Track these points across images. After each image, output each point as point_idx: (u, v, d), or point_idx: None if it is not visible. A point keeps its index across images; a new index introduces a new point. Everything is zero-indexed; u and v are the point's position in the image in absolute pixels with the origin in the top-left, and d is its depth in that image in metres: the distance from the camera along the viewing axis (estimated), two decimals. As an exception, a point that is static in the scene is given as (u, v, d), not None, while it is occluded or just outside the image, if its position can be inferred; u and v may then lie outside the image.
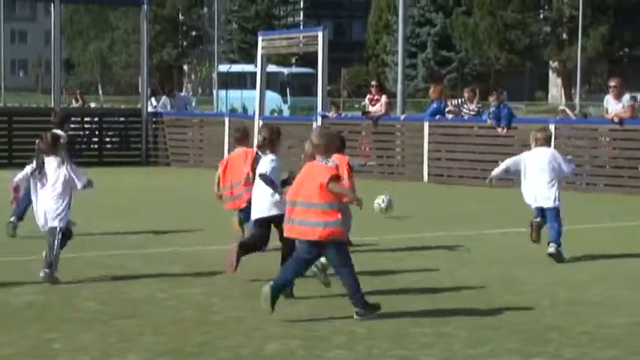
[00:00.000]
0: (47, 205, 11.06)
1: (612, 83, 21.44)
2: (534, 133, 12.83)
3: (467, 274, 11.42)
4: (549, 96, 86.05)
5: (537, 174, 12.46)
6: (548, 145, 12.75)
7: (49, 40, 33.52)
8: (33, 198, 11.24)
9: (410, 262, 12.18)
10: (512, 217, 16.45)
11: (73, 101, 31.08)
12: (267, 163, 10.76)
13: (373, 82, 25.76)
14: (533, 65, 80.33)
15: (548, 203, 12.44)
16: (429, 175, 23.28)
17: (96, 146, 28.36)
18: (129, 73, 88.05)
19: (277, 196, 10.42)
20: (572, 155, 21.46)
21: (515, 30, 74.19)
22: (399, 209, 18.04)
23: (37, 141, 11.42)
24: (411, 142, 24.01)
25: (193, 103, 33.93)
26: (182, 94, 33.24)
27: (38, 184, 11.17)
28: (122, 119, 29.33)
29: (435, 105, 23.99)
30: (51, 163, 11.11)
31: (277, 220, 10.12)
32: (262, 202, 10.53)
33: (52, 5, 28.33)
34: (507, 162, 12.85)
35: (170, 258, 12.45)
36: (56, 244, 10.82)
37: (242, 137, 13.09)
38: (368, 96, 25.15)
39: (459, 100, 24.49)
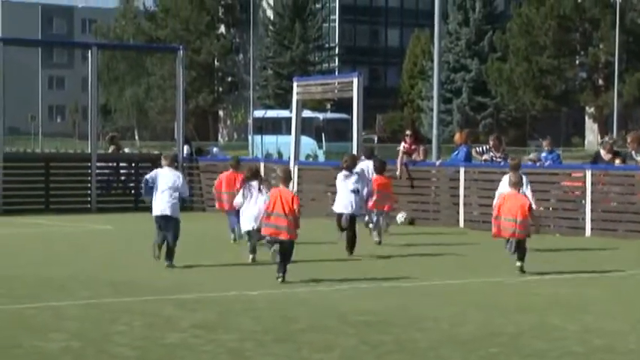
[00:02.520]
0: (255, 212, 16.21)
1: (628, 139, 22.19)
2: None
3: (500, 322, 11.39)
4: (586, 142, 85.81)
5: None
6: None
7: (85, 86, 33.86)
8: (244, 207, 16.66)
9: (442, 310, 12.16)
10: (545, 263, 16.39)
11: (111, 147, 31.31)
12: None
13: (408, 132, 25.87)
14: (570, 111, 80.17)
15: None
16: (464, 220, 23.23)
17: (132, 192, 28.56)
18: (165, 119, 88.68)
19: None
20: (613, 202, 21.47)
21: (551, 75, 74.17)
22: (434, 255, 18.04)
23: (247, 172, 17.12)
24: (447, 188, 24.00)
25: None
26: (215, 149, 33.42)
27: (248, 198, 16.61)
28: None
29: (465, 149, 24.00)
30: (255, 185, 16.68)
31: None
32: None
33: (89, 52, 28.68)
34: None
35: (203, 303, 12.51)
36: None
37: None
38: (403, 144, 25.14)
39: (485, 147, 24.50)
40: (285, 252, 14.32)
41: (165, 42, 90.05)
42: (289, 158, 27.56)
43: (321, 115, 67.19)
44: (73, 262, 16.48)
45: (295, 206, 14.29)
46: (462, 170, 23.49)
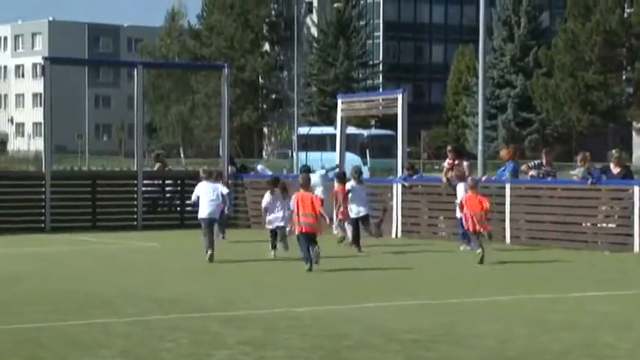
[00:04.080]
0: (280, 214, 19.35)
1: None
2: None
3: (546, 339, 11.30)
4: (633, 157, 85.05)
5: None
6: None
7: (131, 105, 34.11)
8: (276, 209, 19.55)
9: (488, 327, 12.09)
10: (594, 280, 16.26)
11: (157, 164, 31.45)
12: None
13: (449, 147, 25.90)
14: (616, 126, 79.57)
15: None
16: (511, 237, 23.09)
17: (178, 209, 28.70)
18: (209, 136, 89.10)
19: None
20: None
21: (597, 91, 73.71)
22: (479, 271, 17.94)
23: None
24: (493, 204, 23.84)
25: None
26: (260, 166, 33.43)
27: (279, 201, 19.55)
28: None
29: (512, 165, 23.88)
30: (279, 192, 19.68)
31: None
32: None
33: (135, 70, 28.89)
34: None
35: (249, 320, 12.52)
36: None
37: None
38: (447, 160, 25.11)
39: (536, 162, 24.37)
40: (312, 244, 17.11)
41: (209, 60, 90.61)
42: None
43: (365, 132, 67.18)
44: (120, 279, 16.58)
45: (317, 205, 17.26)
46: (507, 186, 23.36)
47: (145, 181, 28.07)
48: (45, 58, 28.08)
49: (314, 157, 63.07)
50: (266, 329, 11.84)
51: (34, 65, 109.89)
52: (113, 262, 19.54)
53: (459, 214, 20.35)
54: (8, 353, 10.50)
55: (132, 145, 33.03)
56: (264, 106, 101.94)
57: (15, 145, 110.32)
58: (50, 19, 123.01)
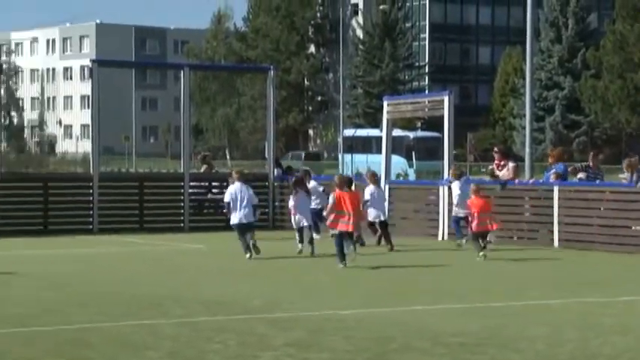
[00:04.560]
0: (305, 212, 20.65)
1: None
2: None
3: (597, 343, 11.20)
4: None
5: None
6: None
7: (178, 107, 34.31)
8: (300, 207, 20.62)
9: (537, 330, 12.00)
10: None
11: (203, 166, 31.57)
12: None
13: (495, 149, 25.81)
14: (666, 128, 78.71)
15: None
16: (559, 240, 22.91)
17: (224, 210, 28.73)
18: (255, 138, 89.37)
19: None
20: None
21: (646, 93, 73.03)
22: (527, 274, 17.83)
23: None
24: (541, 207, 23.70)
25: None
26: (304, 168, 33.29)
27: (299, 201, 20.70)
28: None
29: (561, 167, 23.72)
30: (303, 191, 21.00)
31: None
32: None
33: (182, 72, 29.04)
34: None
35: (295, 322, 12.53)
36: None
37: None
38: (495, 161, 25.06)
39: (582, 165, 24.19)
40: (349, 242, 18.07)
41: (255, 62, 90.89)
42: (380, 177, 27.51)
43: (411, 134, 67.04)
44: (167, 281, 16.66)
45: (355, 204, 18.19)
46: (556, 189, 23.19)
47: (191, 183, 28.18)
48: (93, 61, 28.31)
49: (359, 160, 63.04)
50: (311, 331, 11.84)
51: (82, 68, 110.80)
52: (160, 264, 19.65)
53: (454, 213, 22.18)
54: (54, 353, 10.59)
55: (178, 146, 33.22)
56: (310, 108, 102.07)
57: (63, 146, 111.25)
58: (98, 22, 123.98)
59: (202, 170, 31.56)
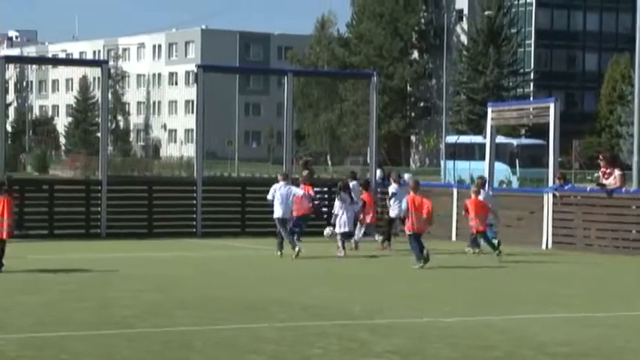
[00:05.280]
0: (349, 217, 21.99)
1: None
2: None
3: None
4: None
5: None
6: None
7: (281, 112, 34.53)
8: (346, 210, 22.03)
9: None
10: None
11: (304, 172, 31.66)
12: None
13: (601, 156, 25.40)
14: None
15: None
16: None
17: (325, 216, 28.81)
18: (357, 144, 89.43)
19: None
20: None
21: None
22: (634, 286, 17.51)
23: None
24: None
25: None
26: (407, 175, 33.08)
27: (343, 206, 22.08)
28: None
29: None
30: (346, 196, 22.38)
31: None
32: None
33: (285, 78, 29.21)
34: None
35: (397, 329, 12.50)
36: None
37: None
38: (601, 169, 24.69)
39: None
40: (420, 242, 19.36)
41: (358, 68, 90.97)
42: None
43: (515, 141, 66.34)
44: (269, 285, 16.77)
45: (428, 208, 19.52)
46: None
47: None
48: (198, 66, 28.63)
49: (462, 166, 62.66)
50: (414, 338, 11.79)
51: (187, 73, 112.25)
52: (262, 268, 19.78)
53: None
54: (158, 355, 10.73)
55: (280, 151, 33.38)
56: (412, 114, 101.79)
57: (167, 151, 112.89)
58: (203, 27, 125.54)
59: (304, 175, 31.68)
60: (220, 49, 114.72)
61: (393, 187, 23.98)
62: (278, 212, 21.74)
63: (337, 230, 22.04)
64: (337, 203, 22.35)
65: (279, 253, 21.35)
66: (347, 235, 22.06)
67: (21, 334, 11.72)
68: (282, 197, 21.74)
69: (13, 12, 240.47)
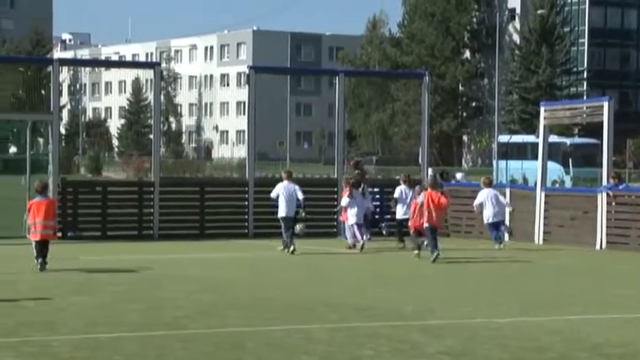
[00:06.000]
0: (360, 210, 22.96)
1: None
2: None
3: None
4: None
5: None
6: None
7: (332, 112, 34.52)
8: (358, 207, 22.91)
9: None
10: None
11: (355, 172, 31.62)
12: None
13: None
14: None
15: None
16: None
17: (377, 217, 28.77)
18: (409, 144, 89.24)
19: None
20: None
21: None
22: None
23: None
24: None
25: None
26: (459, 175, 32.96)
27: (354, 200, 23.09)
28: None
29: None
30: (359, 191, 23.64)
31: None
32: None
33: (336, 78, 29.20)
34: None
35: (449, 329, 12.45)
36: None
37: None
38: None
39: None
40: (435, 236, 20.40)
41: (410, 68, 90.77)
42: (535, 184, 27.13)
43: (568, 140, 65.83)
44: (321, 286, 16.79)
45: (444, 203, 20.79)
46: None
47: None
48: (250, 67, 28.71)
49: (514, 166, 62.28)
50: (465, 339, 11.74)
51: (239, 74, 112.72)
52: (314, 269, 19.81)
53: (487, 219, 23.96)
54: (211, 356, 10.78)
55: (332, 152, 33.40)
56: (464, 113, 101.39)
57: (219, 152, 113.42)
58: (254, 28, 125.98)
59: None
60: (272, 50, 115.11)
61: (400, 188, 24.02)
62: (282, 211, 22.42)
63: (350, 222, 22.89)
64: (345, 198, 23.20)
65: (290, 248, 21.94)
66: (359, 227, 22.71)
67: (74, 335, 11.84)
68: (287, 196, 22.43)
69: (67, 15, 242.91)
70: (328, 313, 13.61)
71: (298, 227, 22.59)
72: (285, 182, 22.86)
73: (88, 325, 12.47)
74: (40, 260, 17.99)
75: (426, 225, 20.62)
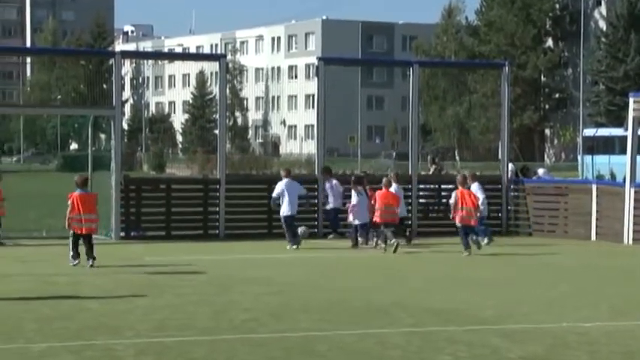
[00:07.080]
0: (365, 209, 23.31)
1: None
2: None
3: None
4: None
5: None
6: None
7: (405, 106, 34.42)
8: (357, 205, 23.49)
9: None
10: None
11: (432, 168, 31.58)
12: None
13: None
14: None
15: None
16: None
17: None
18: (487, 138, 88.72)
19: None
20: None
21: None
22: None
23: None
24: None
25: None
26: (541, 170, 32.53)
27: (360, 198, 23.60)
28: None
29: None
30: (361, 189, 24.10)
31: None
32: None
33: (410, 70, 29.09)
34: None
35: (532, 334, 12.37)
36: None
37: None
38: None
39: None
40: (471, 233, 21.42)
41: (488, 57, 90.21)
42: (623, 180, 26.82)
43: (658, 133, 64.96)
44: (392, 288, 16.77)
45: (475, 200, 21.60)
46: None
47: (419, 185, 28.24)
48: (319, 59, 28.75)
49: (601, 161, 61.61)
50: (550, 345, 11.66)
51: (307, 66, 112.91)
52: (383, 270, 19.75)
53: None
54: (282, 360, 10.84)
55: (405, 147, 33.33)
56: (547, 106, 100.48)
57: (287, 147, 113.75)
58: (324, 18, 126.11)
59: (431, 172, 31.58)
60: (342, 40, 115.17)
61: (393, 187, 23.87)
62: (287, 210, 23.22)
63: (356, 222, 23.54)
64: (355, 196, 23.79)
65: (294, 247, 22.90)
66: (363, 227, 23.38)
67: (139, 339, 11.97)
68: (290, 194, 23.22)
69: (129, 6, 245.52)
70: (403, 317, 13.59)
71: (301, 230, 23.42)
72: (286, 180, 23.59)
73: (154, 329, 12.60)
74: (91, 261, 18.91)
75: (458, 224, 21.50)
